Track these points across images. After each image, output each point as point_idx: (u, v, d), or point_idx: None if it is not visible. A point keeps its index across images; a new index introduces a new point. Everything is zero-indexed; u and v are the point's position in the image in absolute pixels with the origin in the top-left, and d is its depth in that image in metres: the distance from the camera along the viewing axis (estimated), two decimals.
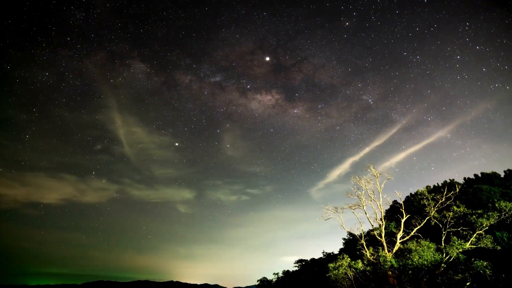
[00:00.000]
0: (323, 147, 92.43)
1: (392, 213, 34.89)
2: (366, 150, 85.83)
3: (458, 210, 24.36)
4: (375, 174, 26.58)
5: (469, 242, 22.85)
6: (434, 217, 25.39)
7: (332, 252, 37.00)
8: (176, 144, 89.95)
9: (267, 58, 79.60)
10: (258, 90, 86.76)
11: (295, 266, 41.03)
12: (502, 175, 40.60)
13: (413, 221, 25.87)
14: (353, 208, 26.76)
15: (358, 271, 23.90)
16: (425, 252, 21.83)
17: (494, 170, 40.01)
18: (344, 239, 36.56)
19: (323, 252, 37.25)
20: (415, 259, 21.67)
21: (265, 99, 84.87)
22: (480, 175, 42.00)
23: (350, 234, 33.06)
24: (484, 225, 22.92)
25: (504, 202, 24.42)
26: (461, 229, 23.86)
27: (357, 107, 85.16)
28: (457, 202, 25.61)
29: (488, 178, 40.09)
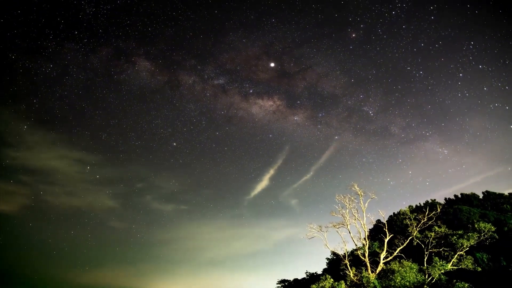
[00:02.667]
0: (320, 156, 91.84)
1: (376, 233, 34.83)
2: (363, 161, 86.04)
3: (440, 230, 24.57)
4: (359, 193, 26.59)
5: (451, 263, 22.91)
6: (417, 237, 25.45)
7: (316, 273, 36.31)
8: (174, 144, 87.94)
9: (272, 64, 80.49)
10: (260, 95, 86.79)
11: (278, 287, 39.92)
12: (481, 196, 41.67)
13: (396, 241, 25.81)
14: (337, 227, 26.50)
15: None
16: (408, 273, 21.65)
17: (487, 190, 41.20)
18: (327, 258, 36.08)
19: (306, 272, 36.58)
20: (398, 280, 21.41)
21: (267, 105, 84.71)
22: (460, 195, 42.96)
23: (333, 253, 32.62)
24: (464, 246, 23.13)
25: (483, 223, 24.86)
26: (443, 250, 23.95)
27: (357, 118, 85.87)
28: (439, 222, 25.87)
29: (467, 199, 41.03)
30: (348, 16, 69.04)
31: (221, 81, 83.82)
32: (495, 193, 40.50)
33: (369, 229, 37.30)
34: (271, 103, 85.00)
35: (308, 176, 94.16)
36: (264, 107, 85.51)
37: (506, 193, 39.96)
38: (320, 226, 26.69)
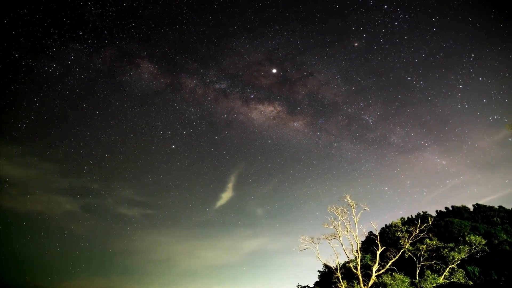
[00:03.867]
0: (318, 163, 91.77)
1: (368, 245, 34.63)
2: (361, 169, 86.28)
3: (431, 243, 24.54)
4: (351, 204, 26.46)
5: (442, 276, 22.79)
6: (408, 250, 25.34)
7: (307, 286, 35.74)
8: (173, 146, 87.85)
9: (274, 70, 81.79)
10: (261, 100, 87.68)
11: None
12: (471, 208, 42.02)
13: (388, 253, 25.63)
14: (329, 238, 26.20)
15: None
16: (400, 287, 21.43)
17: (485, 201, 41.61)
18: (319, 271, 35.57)
19: (298, 285, 35.95)
20: None
21: (267, 110, 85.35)
22: (450, 208, 43.23)
23: (325, 266, 32.20)
24: (456, 259, 23.10)
25: (474, 236, 24.93)
26: (434, 263, 23.87)
27: (356, 126, 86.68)
28: (430, 234, 25.85)
29: (458, 212, 41.28)
30: (351, 25, 70.74)
31: (222, 86, 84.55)
32: (485, 206, 40.90)
33: (362, 241, 37.10)
34: (271, 108, 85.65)
35: (306, 182, 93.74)
36: (264, 112, 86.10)
37: (496, 206, 40.41)
38: (312, 238, 26.38)
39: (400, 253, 25.05)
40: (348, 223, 26.13)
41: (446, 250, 23.82)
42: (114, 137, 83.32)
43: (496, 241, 28.26)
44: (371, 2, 65.34)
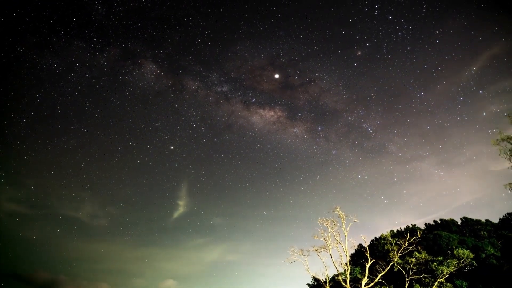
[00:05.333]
0: (316, 169, 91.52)
1: (358, 257, 34.39)
2: (358, 177, 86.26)
3: (420, 256, 24.50)
4: (341, 216, 26.32)
5: None
6: (398, 263, 25.21)
7: None
8: (172, 147, 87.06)
9: (277, 76, 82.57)
10: (262, 105, 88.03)
11: None
12: (459, 222, 42.44)
13: (377, 266, 25.44)
14: (319, 251, 25.88)
15: None
16: None
17: (477, 215, 41.96)
18: (308, 284, 35.06)
19: None
20: None
21: (268, 115, 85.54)
22: (439, 221, 43.58)
23: (315, 279, 31.72)
24: (444, 273, 23.07)
25: (462, 249, 25.04)
26: (423, 277, 23.78)
27: (356, 134, 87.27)
28: (419, 247, 25.84)
29: (446, 225, 41.63)
30: (355, 34, 72.07)
31: (224, 89, 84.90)
32: (473, 219, 41.38)
33: (351, 254, 36.87)
34: (272, 113, 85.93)
35: (302, 188, 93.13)
36: (264, 117, 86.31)
37: (483, 219, 40.93)
38: (301, 250, 26.01)
39: (389, 266, 24.89)
40: (338, 235, 25.93)
41: (435, 263, 23.82)
42: (113, 136, 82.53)
43: (484, 255, 28.44)
44: (376, 12, 67.03)
